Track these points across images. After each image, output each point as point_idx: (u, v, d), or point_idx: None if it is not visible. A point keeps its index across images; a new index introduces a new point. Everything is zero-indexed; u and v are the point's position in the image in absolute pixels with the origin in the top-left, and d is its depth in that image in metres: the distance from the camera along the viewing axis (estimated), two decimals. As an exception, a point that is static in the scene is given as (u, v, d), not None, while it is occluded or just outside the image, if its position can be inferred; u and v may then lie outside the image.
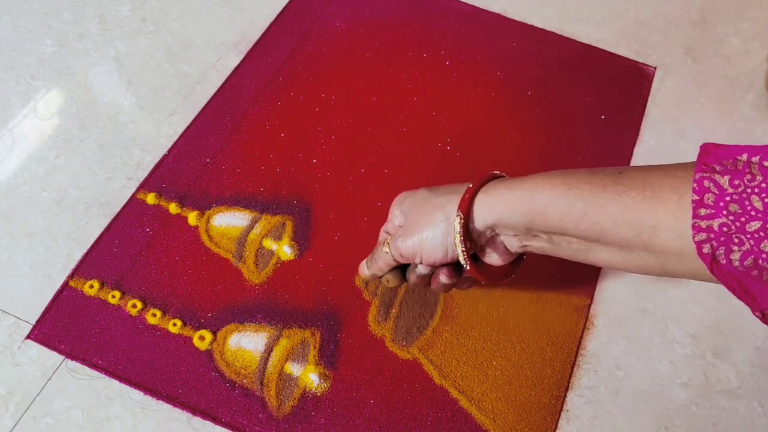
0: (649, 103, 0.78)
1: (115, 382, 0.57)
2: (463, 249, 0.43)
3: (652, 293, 0.64)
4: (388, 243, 0.48)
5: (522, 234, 0.43)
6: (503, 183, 0.43)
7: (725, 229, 0.31)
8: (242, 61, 0.78)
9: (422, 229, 0.44)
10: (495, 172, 0.46)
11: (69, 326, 0.59)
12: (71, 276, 0.62)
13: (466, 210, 0.42)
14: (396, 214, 0.49)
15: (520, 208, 0.41)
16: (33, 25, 0.81)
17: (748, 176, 0.31)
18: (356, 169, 0.71)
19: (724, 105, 0.79)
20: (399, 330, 0.60)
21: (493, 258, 0.47)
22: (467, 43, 0.82)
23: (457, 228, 0.42)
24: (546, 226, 0.40)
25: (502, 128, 0.75)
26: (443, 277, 0.47)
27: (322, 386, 0.57)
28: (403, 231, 0.46)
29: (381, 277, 0.53)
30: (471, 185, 0.43)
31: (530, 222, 0.41)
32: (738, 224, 0.31)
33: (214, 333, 0.59)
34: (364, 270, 0.54)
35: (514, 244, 0.45)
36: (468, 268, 0.45)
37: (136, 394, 0.56)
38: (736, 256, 0.31)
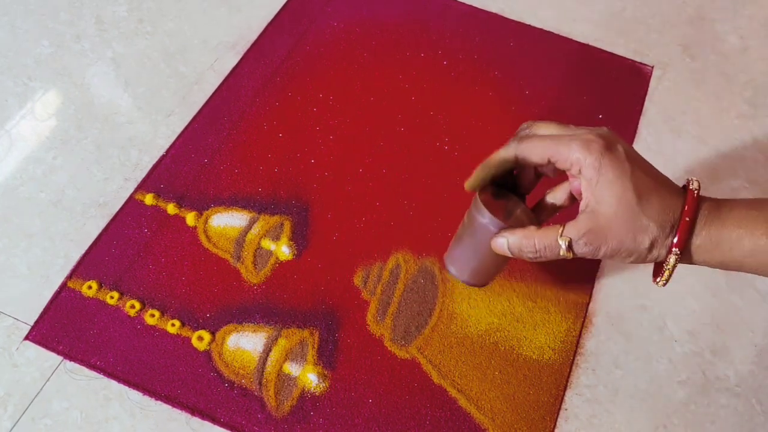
0: (646, 102, 0.78)
1: (114, 383, 0.56)
2: (668, 275, 0.38)
3: (650, 289, 0.64)
4: (564, 238, 0.38)
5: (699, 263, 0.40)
6: (715, 224, 0.38)
7: None
8: (240, 62, 0.78)
9: (621, 244, 0.37)
10: (693, 185, 0.38)
11: (67, 327, 0.59)
12: (69, 277, 0.62)
13: (682, 246, 0.37)
14: (589, 172, 0.38)
15: (729, 256, 0.37)
16: (30, 25, 0.81)
17: None
18: (354, 168, 0.71)
19: (721, 102, 0.79)
20: (397, 329, 0.60)
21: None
22: (465, 43, 0.82)
23: (672, 263, 0.38)
24: (737, 267, 0.38)
25: (499, 128, 0.75)
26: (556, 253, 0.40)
27: (321, 386, 0.57)
28: (593, 225, 0.37)
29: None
30: (685, 215, 0.37)
31: (727, 265, 0.39)
32: None
33: (213, 333, 0.59)
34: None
35: (672, 261, 0.40)
36: (663, 284, 0.40)
37: (135, 395, 0.56)
38: None
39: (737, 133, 0.76)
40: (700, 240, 0.37)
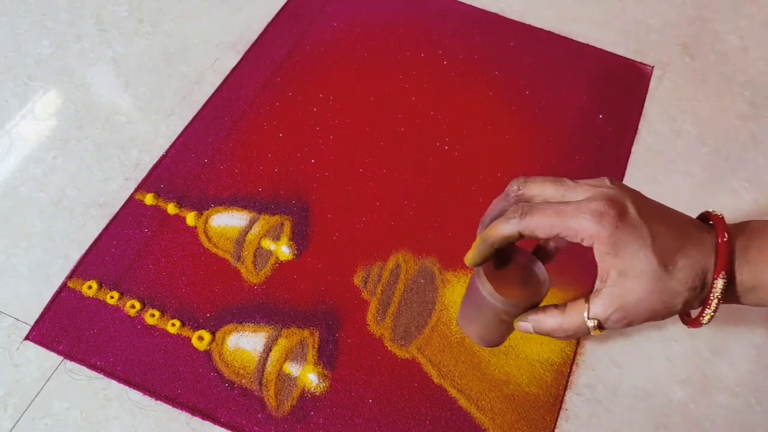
0: (646, 102, 0.78)
1: (114, 383, 0.57)
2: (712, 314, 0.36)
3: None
4: (592, 319, 0.36)
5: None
6: (755, 248, 0.35)
7: None
8: (240, 62, 0.78)
9: (653, 313, 0.35)
10: (723, 238, 0.35)
11: (67, 327, 0.59)
12: (69, 277, 0.62)
13: (718, 304, 0.35)
14: (603, 250, 0.35)
15: None
16: (30, 25, 0.81)
17: None
18: (354, 168, 0.71)
19: (721, 102, 0.79)
20: (398, 329, 0.60)
21: None
22: (465, 43, 0.82)
23: (707, 319, 0.36)
24: None
25: (500, 127, 0.75)
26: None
27: (321, 386, 0.57)
28: (620, 302, 0.35)
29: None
30: (717, 272, 0.34)
31: (765, 303, 0.37)
32: None
33: (213, 333, 0.59)
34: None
35: (706, 318, 0.38)
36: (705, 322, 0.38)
37: (135, 395, 0.56)
38: None
39: (737, 133, 0.76)
40: (734, 291, 0.36)
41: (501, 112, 0.76)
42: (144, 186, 0.68)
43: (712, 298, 0.34)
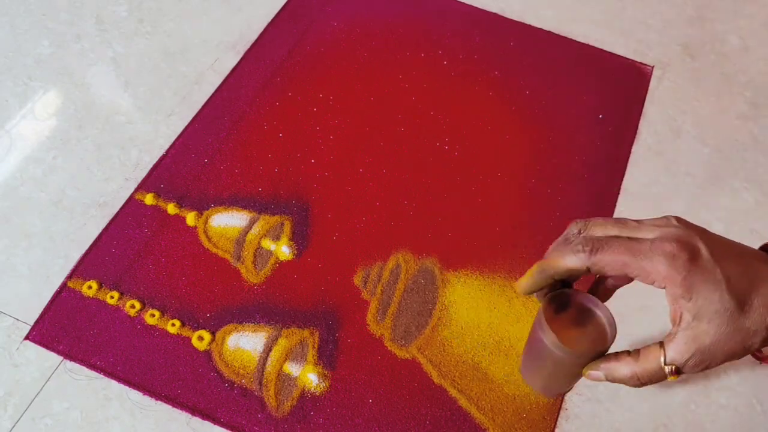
0: (646, 102, 0.78)
1: (114, 383, 0.56)
2: None
3: (650, 290, 0.64)
4: (669, 365, 0.35)
5: None
6: None
7: None
8: (240, 62, 0.78)
9: (731, 354, 0.35)
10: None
11: (67, 327, 0.59)
12: (69, 277, 0.62)
13: None
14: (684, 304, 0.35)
15: None
16: (30, 26, 0.81)
17: None
18: (354, 168, 0.71)
19: (721, 102, 0.79)
20: (398, 329, 0.60)
21: None
22: (465, 43, 0.82)
23: None
24: None
25: (500, 127, 0.75)
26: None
27: (321, 386, 0.57)
28: (697, 346, 0.35)
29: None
30: None
31: None
32: None
33: (213, 333, 0.59)
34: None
35: None
36: None
37: (135, 395, 0.56)
38: None
39: (737, 133, 0.76)
40: None
41: (501, 112, 0.76)
42: (144, 186, 0.68)
43: None
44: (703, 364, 0.35)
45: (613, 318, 0.37)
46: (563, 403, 0.58)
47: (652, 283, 0.35)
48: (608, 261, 0.35)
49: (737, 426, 0.57)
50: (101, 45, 0.80)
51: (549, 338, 0.36)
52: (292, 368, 0.58)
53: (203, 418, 0.55)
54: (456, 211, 0.68)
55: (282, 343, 0.59)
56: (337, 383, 0.57)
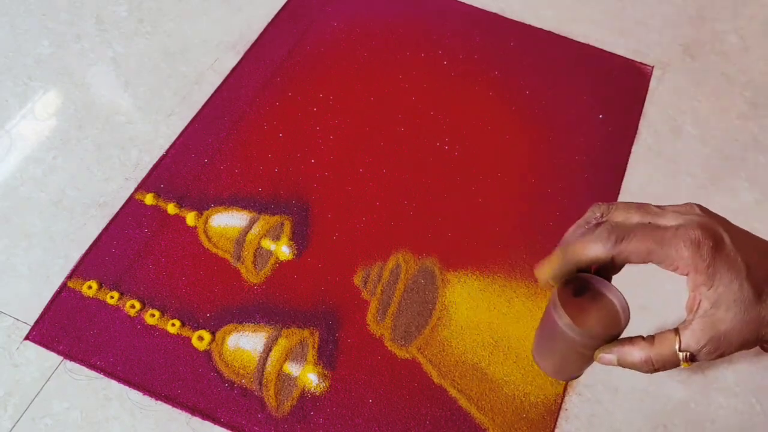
0: (646, 102, 0.78)
1: (114, 383, 0.56)
2: None
3: (649, 289, 0.64)
4: (684, 351, 0.35)
5: None
6: None
7: None
8: (240, 62, 0.78)
9: (745, 343, 0.36)
10: None
11: (67, 327, 0.59)
12: (69, 277, 0.62)
13: None
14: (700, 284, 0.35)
15: None
16: (30, 26, 0.81)
17: None
18: (354, 168, 0.71)
19: (721, 102, 0.79)
20: (398, 329, 0.60)
21: None
22: (465, 43, 0.82)
23: None
24: None
25: (500, 127, 0.75)
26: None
27: (321, 386, 0.57)
28: (713, 332, 0.35)
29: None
30: None
31: None
32: None
33: (213, 333, 0.59)
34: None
35: None
36: None
37: (135, 395, 0.56)
38: None
39: (737, 133, 0.76)
40: None
41: (501, 112, 0.76)
42: (144, 186, 0.68)
43: None
44: (718, 351, 0.35)
45: (627, 303, 0.37)
46: (563, 403, 0.58)
47: (675, 270, 0.35)
48: (633, 249, 0.35)
49: (737, 426, 0.57)
50: (101, 45, 0.80)
51: (563, 320, 0.36)
52: (292, 368, 0.58)
53: (203, 418, 0.55)
54: (456, 211, 0.68)
55: (282, 343, 0.59)
56: (337, 383, 0.57)
